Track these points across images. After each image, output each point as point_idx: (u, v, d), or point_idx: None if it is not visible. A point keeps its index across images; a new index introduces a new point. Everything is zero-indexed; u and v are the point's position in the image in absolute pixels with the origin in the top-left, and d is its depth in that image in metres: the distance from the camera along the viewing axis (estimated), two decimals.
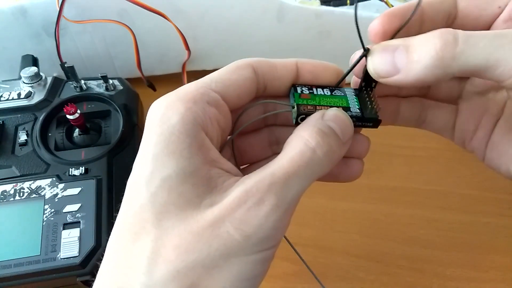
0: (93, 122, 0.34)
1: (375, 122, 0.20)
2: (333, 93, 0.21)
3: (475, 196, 0.32)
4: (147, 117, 0.18)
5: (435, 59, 0.16)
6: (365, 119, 0.20)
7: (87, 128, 0.33)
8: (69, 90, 0.35)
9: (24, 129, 0.33)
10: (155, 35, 0.40)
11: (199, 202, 0.16)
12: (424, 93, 0.24)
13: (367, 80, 0.20)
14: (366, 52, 0.19)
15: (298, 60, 0.21)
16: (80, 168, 0.30)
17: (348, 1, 0.45)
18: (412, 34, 0.19)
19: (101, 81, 0.35)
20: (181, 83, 0.42)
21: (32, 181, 0.30)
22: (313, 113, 0.19)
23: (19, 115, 0.33)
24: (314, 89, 0.21)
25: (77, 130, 0.33)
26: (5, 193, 0.29)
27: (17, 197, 0.29)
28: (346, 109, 0.20)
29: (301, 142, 0.17)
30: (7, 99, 0.34)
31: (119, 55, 0.41)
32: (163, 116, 0.17)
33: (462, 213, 0.33)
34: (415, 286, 0.29)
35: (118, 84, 0.36)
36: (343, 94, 0.21)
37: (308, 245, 0.31)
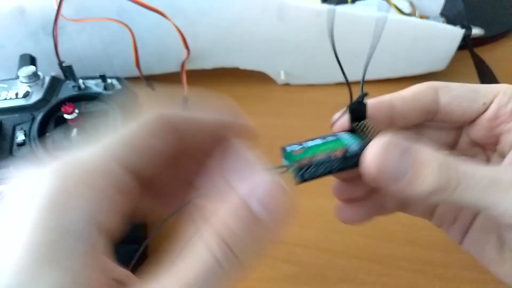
0: (92, 122, 0.34)
1: None
2: (325, 140, 0.19)
3: None
4: (23, 183, 0.14)
5: (438, 190, 0.17)
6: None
7: (85, 128, 0.33)
8: (67, 90, 0.35)
9: (22, 129, 0.32)
10: (154, 34, 0.40)
11: None
12: None
13: (357, 117, 0.19)
14: (363, 97, 0.19)
15: (220, 120, 0.19)
16: None
17: (349, 0, 0.45)
18: (381, 128, 0.19)
19: (100, 81, 0.35)
20: (180, 82, 0.42)
21: None
22: (307, 164, 0.18)
23: (16, 115, 0.33)
24: (304, 143, 0.19)
25: (75, 130, 0.33)
26: (3, 194, 0.29)
27: None
28: (345, 150, 0.18)
29: (207, 254, 0.14)
30: (5, 99, 0.33)
31: (117, 54, 0.41)
32: (57, 204, 0.13)
33: None
34: None
35: (117, 83, 0.36)
36: (336, 138, 0.19)
37: (309, 246, 0.31)
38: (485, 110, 0.21)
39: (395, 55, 0.40)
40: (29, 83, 0.34)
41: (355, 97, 0.20)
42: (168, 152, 0.16)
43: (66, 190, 0.13)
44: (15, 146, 0.31)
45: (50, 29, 0.37)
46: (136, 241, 0.29)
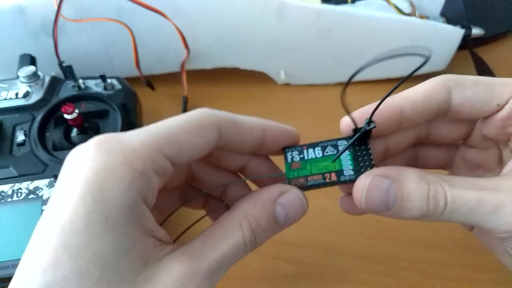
0: (91, 122, 0.34)
1: None
2: (325, 153, 0.20)
3: None
4: (74, 163, 0.16)
5: (426, 215, 0.18)
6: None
7: (85, 128, 0.33)
8: (67, 90, 0.35)
9: (22, 129, 0.32)
10: (154, 34, 0.40)
11: (134, 278, 0.15)
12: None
13: (360, 139, 0.20)
14: (370, 128, 0.19)
15: (265, 126, 0.20)
16: None
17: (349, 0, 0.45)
18: (385, 133, 0.20)
19: (100, 81, 0.35)
20: (180, 82, 0.42)
21: (30, 182, 0.29)
22: (302, 184, 0.20)
23: (16, 115, 0.33)
24: (305, 152, 0.21)
25: (75, 129, 0.33)
26: (2, 194, 0.29)
27: (14, 198, 0.29)
28: (339, 173, 0.20)
29: (240, 235, 0.18)
30: (5, 99, 0.33)
31: (117, 54, 0.41)
32: (105, 182, 0.15)
33: None
34: None
35: (117, 83, 0.36)
36: (335, 152, 0.20)
37: (309, 246, 0.31)
38: (499, 110, 0.20)
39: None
40: (29, 83, 0.34)
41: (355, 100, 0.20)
42: (208, 148, 0.18)
43: (109, 167, 0.15)
44: (15, 146, 0.31)
45: (50, 29, 0.37)
46: None
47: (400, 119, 0.20)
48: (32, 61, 0.37)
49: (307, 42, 0.40)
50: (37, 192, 0.29)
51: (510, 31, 0.49)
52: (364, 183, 0.19)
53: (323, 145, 0.21)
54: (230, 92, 0.44)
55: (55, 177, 0.30)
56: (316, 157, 0.20)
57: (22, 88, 0.34)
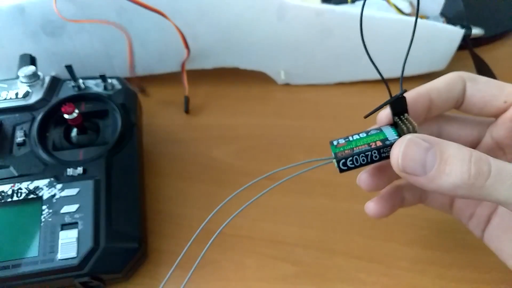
0: (91, 122, 0.34)
1: None
2: (369, 134, 0.21)
3: None
4: None
5: (465, 183, 0.17)
6: None
7: (85, 128, 0.33)
8: (67, 90, 0.35)
9: (22, 129, 0.32)
10: (154, 34, 0.40)
11: None
12: None
13: (398, 111, 0.21)
14: (402, 93, 0.20)
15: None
16: (78, 168, 0.30)
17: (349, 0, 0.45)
18: (419, 119, 0.22)
19: (100, 81, 0.35)
20: (180, 82, 0.42)
21: (30, 182, 0.29)
22: (348, 154, 0.20)
23: (16, 115, 0.33)
24: (350, 137, 0.21)
25: (75, 130, 0.33)
26: (2, 194, 0.29)
27: (14, 198, 0.29)
28: (384, 139, 0.20)
29: None
30: (5, 99, 0.33)
31: (117, 54, 0.41)
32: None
33: None
34: None
35: (117, 83, 0.36)
36: (379, 131, 0.21)
37: (309, 246, 0.31)
38: (507, 109, 0.21)
39: (395, 55, 0.40)
40: (29, 83, 0.34)
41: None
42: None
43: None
44: (15, 146, 0.31)
45: (50, 29, 0.37)
46: (135, 241, 0.29)
47: (429, 105, 0.22)
48: (32, 61, 0.37)
49: (307, 42, 0.40)
50: (37, 192, 0.29)
51: (510, 31, 0.49)
52: (403, 140, 0.18)
53: (367, 130, 0.21)
54: (230, 92, 0.44)
55: (55, 177, 0.30)
56: (360, 137, 0.21)
57: (22, 88, 0.34)
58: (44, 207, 0.28)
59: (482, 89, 0.21)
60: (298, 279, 0.30)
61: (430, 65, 0.42)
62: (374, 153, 0.20)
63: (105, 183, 0.29)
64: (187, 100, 0.42)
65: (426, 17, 0.43)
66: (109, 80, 0.35)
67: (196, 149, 0.38)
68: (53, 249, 0.27)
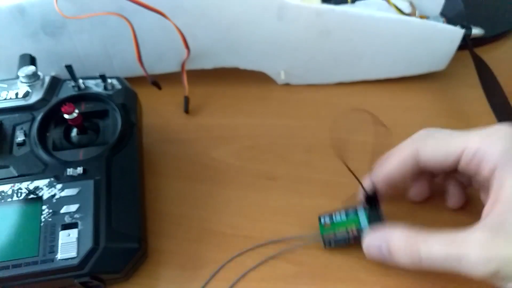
0: (91, 122, 0.34)
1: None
2: (348, 217, 0.30)
3: (477, 196, 0.32)
4: None
5: (414, 264, 0.25)
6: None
7: (85, 128, 0.33)
8: (67, 90, 0.35)
9: (22, 129, 0.32)
10: (154, 34, 0.40)
11: None
12: None
13: (370, 202, 0.29)
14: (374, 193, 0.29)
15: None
16: (78, 168, 0.30)
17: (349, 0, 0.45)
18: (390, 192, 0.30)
19: (100, 81, 0.35)
20: (180, 82, 0.42)
21: (30, 182, 0.29)
22: (332, 238, 0.30)
23: (16, 115, 0.33)
24: (334, 217, 0.30)
25: (75, 130, 0.33)
26: (2, 194, 0.29)
27: (14, 198, 0.29)
28: (358, 229, 0.29)
29: None
30: (5, 99, 0.33)
31: (117, 54, 0.41)
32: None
33: (464, 214, 0.33)
34: None
35: (117, 83, 0.36)
36: (355, 215, 0.30)
37: (309, 246, 0.31)
38: (459, 159, 0.27)
39: (395, 55, 0.40)
40: (29, 83, 0.34)
41: None
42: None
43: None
44: (15, 146, 0.31)
45: (50, 29, 0.37)
46: (135, 241, 0.29)
47: (390, 183, 0.29)
48: (32, 61, 0.37)
49: (307, 42, 0.40)
50: (37, 192, 0.29)
51: (510, 31, 0.49)
52: (365, 240, 0.28)
53: (346, 210, 0.30)
54: (230, 92, 0.44)
55: (55, 177, 0.30)
56: (341, 220, 0.30)
57: (22, 88, 0.34)
58: (44, 207, 0.28)
59: (432, 155, 0.27)
60: (298, 279, 0.30)
61: (430, 65, 0.42)
62: (351, 239, 0.29)
63: (105, 183, 0.29)
64: (187, 100, 0.42)
65: (426, 17, 0.43)
66: (109, 80, 0.35)
67: (196, 149, 0.38)
68: (53, 249, 0.27)
